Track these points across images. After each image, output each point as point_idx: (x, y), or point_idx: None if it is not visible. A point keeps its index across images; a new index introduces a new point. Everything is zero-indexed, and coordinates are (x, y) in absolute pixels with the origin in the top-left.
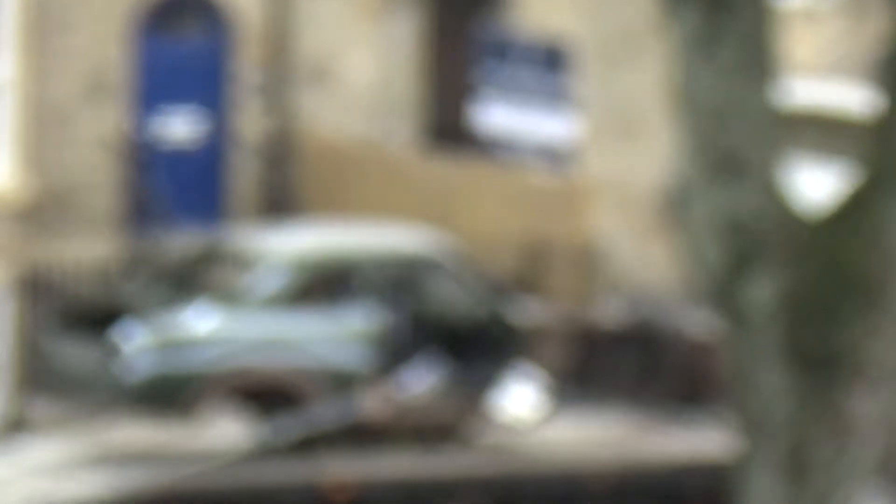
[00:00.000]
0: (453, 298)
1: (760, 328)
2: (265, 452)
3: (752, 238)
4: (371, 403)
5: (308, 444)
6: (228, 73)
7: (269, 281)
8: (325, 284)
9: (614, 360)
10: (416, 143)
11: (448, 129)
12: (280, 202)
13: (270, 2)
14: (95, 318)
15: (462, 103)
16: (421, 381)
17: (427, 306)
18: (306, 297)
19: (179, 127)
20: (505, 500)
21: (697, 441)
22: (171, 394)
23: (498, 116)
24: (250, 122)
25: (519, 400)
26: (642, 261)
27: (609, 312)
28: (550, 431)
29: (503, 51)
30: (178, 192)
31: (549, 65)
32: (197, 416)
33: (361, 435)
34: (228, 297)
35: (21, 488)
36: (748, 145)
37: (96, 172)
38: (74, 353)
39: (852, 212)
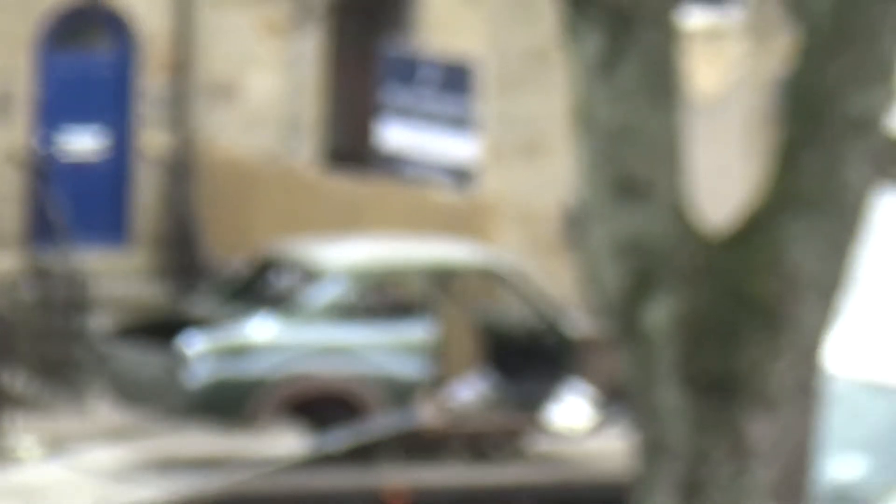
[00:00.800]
0: (512, 310)
1: (658, 349)
2: (322, 459)
3: (651, 259)
4: (427, 412)
5: (364, 452)
6: (133, 86)
7: (327, 291)
8: (383, 295)
9: None
10: (319, 160)
11: (352, 146)
12: (182, 216)
13: (176, 16)
14: (159, 328)
15: (366, 121)
16: (474, 391)
17: (485, 317)
18: (365, 308)
19: (84, 140)
20: None
21: None
22: (230, 400)
23: (402, 135)
24: (154, 137)
25: (571, 411)
26: (544, 278)
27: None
28: (600, 442)
29: (408, 70)
30: (81, 206)
31: (453, 84)
32: (256, 423)
33: (417, 443)
34: (288, 307)
35: (83, 491)
36: (648, 166)
37: (2, 186)
38: (139, 361)
39: (752, 233)
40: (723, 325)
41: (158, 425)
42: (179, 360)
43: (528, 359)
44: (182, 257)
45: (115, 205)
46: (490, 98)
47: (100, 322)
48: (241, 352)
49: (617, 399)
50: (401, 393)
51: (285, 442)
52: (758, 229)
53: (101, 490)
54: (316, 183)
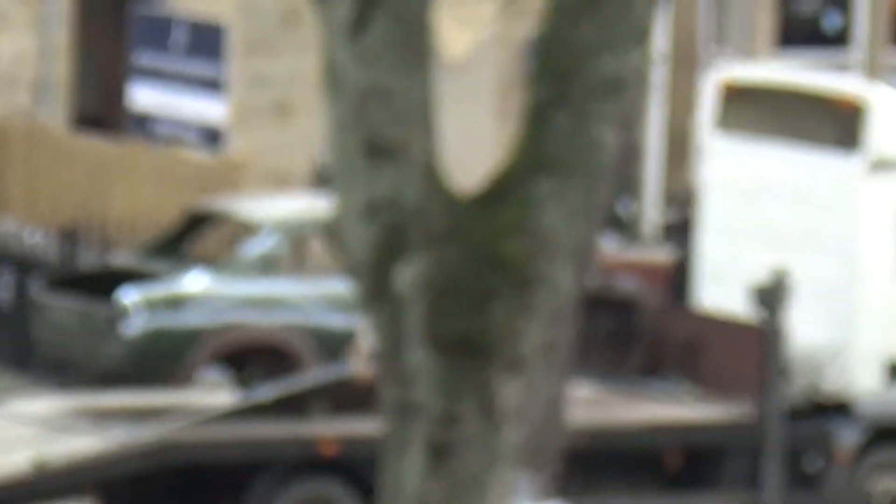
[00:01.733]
0: None
1: (406, 309)
2: (253, 408)
3: (401, 220)
4: (356, 363)
5: (295, 401)
6: None
7: (260, 244)
8: (315, 248)
9: (583, 328)
10: (70, 120)
11: (104, 107)
12: None
13: None
14: (91, 284)
15: (118, 83)
16: None
17: None
18: (296, 261)
19: None
20: None
21: (667, 404)
22: (166, 351)
23: (154, 96)
24: None
25: None
26: None
27: None
28: None
29: (160, 32)
30: None
31: (205, 46)
32: (190, 374)
33: (347, 393)
34: (220, 261)
35: (18, 440)
36: (399, 127)
37: None
38: (73, 313)
39: (502, 194)
40: (471, 285)
41: (92, 379)
42: (118, 312)
43: None
44: None
45: None
46: (239, 59)
47: None
48: (176, 304)
49: None
50: (332, 344)
51: (218, 392)
52: (507, 190)
53: (37, 439)
54: (66, 143)
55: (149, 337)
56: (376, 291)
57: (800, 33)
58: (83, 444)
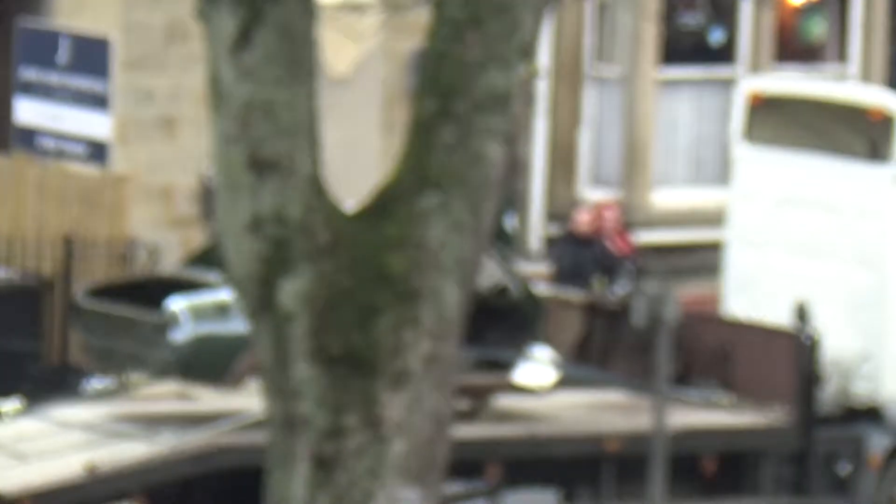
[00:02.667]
0: (489, 271)
1: (291, 323)
2: None
3: (286, 234)
4: None
5: None
6: None
7: None
8: None
9: (612, 336)
10: None
11: None
12: None
13: None
14: (140, 293)
15: (3, 97)
16: None
17: None
18: None
19: None
20: (525, 459)
21: (701, 411)
22: (213, 357)
23: (39, 110)
24: None
25: (534, 370)
26: (182, 252)
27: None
28: (561, 398)
29: (45, 46)
30: None
31: (90, 61)
32: (236, 379)
33: None
34: None
35: (67, 446)
36: (283, 142)
37: None
38: (120, 320)
39: (387, 207)
40: (356, 299)
41: (140, 385)
42: (167, 319)
43: (495, 319)
44: None
45: None
46: (124, 73)
47: None
48: (222, 312)
49: (577, 358)
50: None
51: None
52: (392, 204)
53: (86, 444)
54: None
55: (197, 344)
56: (261, 305)
57: (685, 48)
58: (133, 449)
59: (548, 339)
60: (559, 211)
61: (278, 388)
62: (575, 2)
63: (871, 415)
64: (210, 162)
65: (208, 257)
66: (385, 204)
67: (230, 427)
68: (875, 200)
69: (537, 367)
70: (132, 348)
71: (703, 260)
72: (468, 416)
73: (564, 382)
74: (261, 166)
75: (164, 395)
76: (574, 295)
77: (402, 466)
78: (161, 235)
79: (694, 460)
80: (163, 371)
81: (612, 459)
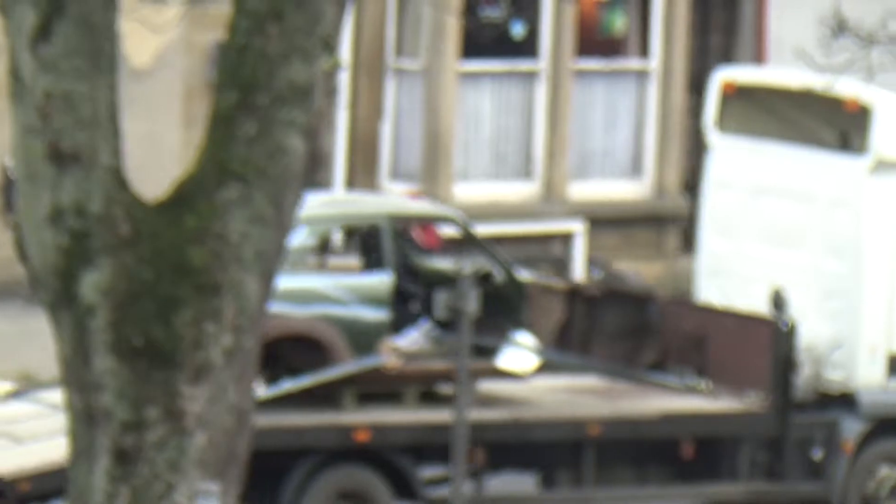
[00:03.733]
0: (476, 257)
1: (91, 315)
2: (289, 396)
3: (87, 226)
4: (385, 354)
5: (328, 390)
6: None
7: (292, 240)
8: (345, 243)
9: (592, 321)
10: None
11: None
12: None
13: None
14: None
15: None
16: (424, 336)
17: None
18: (329, 254)
19: None
20: (506, 444)
21: (679, 395)
22: None
23: None
24: None
25: (517, 355)
26: None
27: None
28: (543, 382)
29: None
30: None
31: None
32: None
33: (376, 383)
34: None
35: (55, 429)
36: (84, 134)
37: None
38: None
39: (187, 200)
40: (157, 291)
41: None
42: None
43: (495, 303)
44: None
45: None
46: None
47: None
48: None
49: (558, 343)
50: (362, 335)
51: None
52: (193, 196)
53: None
54: None
55: None
56: (61, 298)
57: (487, 41)
58: None
59: (530, 325)
60: None
61: (79, 381)
62: None
63: (844, 401)
64: (11, 153)
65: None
66: (186, 196)
67: None
68: (848, 191)
69: (520, 353)
70: None
71: (505, 254)
72: (452, 401)
73: (545, 367)
74: (61, 158)
75: None
76: (556, 282)
77: (202, 459)
78: None
79: (672, 445)
80: None
81: (592, 443)
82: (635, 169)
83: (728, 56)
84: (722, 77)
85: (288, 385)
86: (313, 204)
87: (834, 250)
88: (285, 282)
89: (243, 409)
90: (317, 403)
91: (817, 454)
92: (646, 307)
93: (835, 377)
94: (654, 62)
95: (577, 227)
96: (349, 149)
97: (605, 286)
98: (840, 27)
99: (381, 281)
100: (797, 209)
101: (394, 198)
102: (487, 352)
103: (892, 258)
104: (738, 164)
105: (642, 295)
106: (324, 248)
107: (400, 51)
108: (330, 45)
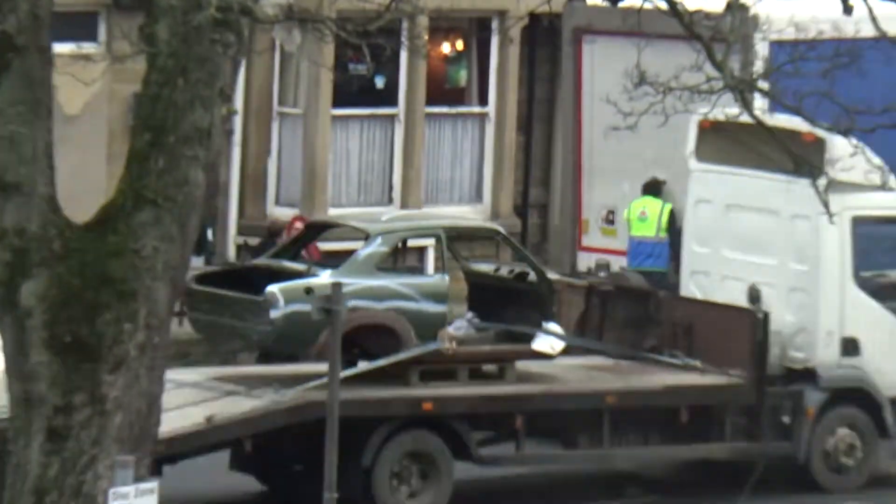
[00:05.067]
0: (515, 261)
1: (30, 317)
2: (366, 374)
3: (27, 244)
4: (442, 341)
5: (398, 370)
6: None
7: (370, 248)
8: (410, 251)
9: (605, 312)
10: None
11: None
12: None
13: None
14: (231, 276)
15: None
16: (470, 326)
17: (480, 267)
18: (397, 262)
19: None
20: (539, 412)
21: (676, 373)
22: (301, 330)
23: None
24: None
25: (548, 340)
26: None
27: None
28: (570, 362)
29: None
30: None
31: None
32: (320, 349)
33: (436, 363)
34: (342, 260)
35: (180, 401)
36: (22, 169)
37: None
38: (227, 302)
39: (109, 221)
40: (84, 297)
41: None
42: (268, 299)
43: (516, 299)
44: None
45: None
46: None
47: None
48: (309, 294)
49: (578, 331)
50: (425, 325)
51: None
52: (114, 219)
53: (201, 401)
54: None
55: (290, 319)
56: (4, 303)
57: (355, 90)
58: (240, 404)
59: (558, 316)
60: (250, 225)
61: (19, 372)
62: (264, 52)
63: (806, 376)
64: None
65: (288, 250)
66: (108, 219)
67: (315, 385)
68: (807, 206)
69: (550, 338)
70: (238, 323)
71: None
72: (497, 377)
73: (569, 350)
74: (5, 188)
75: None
76: (578, 281)
77: (120, 436)
78: None
79: (672, 412)
80: (264, 341)
81: (608, 411)
82: (476, 195)
83: (551, 103)
84: (699, 116)
85: (364, 365)
86: (385, 220)
87: (796, 254)
88: (365, 282)
89: (154, 394)
90: (389, 380)
91: (787, 419)
92: (648, 301)
93: (799, 356)
94: (491, 108)
95: (429, 242)
96: (241, 180)
97: (614, 284)
98: (641, 79)
99: (440, 281)
100: (764, 221)
101: (446, 215)
102: (524, 338)
103: (842, 260)
104: (713, 186)
105: (644, 291)
106: (395, 254)
107: (283, 99)
108: (226, 95)
